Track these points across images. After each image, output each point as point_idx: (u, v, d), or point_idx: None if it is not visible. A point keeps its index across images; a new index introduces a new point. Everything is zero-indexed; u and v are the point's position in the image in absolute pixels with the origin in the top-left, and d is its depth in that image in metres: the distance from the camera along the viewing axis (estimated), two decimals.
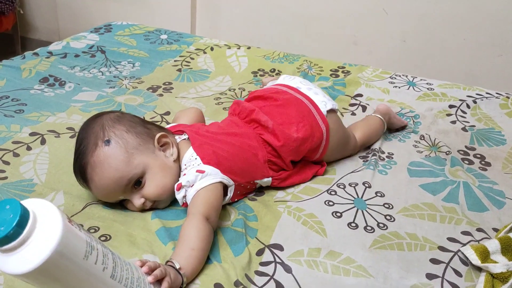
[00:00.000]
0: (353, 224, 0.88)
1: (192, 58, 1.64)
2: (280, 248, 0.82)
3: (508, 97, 1.40)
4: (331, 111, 1.06)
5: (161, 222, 0.84)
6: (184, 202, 0.86)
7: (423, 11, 2.10)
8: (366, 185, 0.99)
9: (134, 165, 0.84)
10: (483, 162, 1.11)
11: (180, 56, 1.65)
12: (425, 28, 2.15)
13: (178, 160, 0.91)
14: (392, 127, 1.24)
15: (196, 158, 0.89)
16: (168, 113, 1.28)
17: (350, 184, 1.00)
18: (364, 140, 1.13)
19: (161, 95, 1.38)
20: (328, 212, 0.91)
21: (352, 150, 1.11)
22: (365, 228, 0.87)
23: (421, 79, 1.51)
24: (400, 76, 1.54)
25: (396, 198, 0.96)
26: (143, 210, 0.88)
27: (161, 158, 0.89)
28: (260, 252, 0.81)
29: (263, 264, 0.78)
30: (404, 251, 0.83)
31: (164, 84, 1.45)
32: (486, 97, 1.40)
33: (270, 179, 0.95)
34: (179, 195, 0.86)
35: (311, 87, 1.10)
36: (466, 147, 1.17)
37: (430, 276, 0.78)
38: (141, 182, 0.85)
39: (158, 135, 0.90)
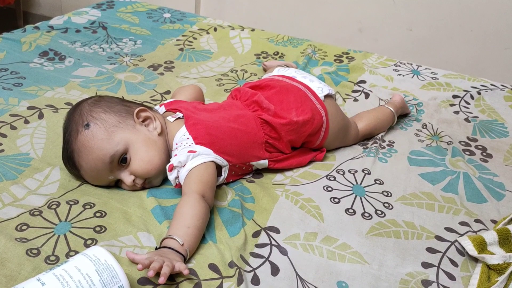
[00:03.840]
0: (350, 210, 0.87)
1: (195, 38, 1.62)
2: (277, 230, 0.81)
3: None
4: (328, 96, 1.05)
5: (157, 201, 0.84)
6: (178, 183, 0.85)
7: (431, 0, 2.07)
8: (366, 172, 0.98)
9: (115, 142, 0.84)
10: (484, 154, 1.10)
11: (183, 36, 1.63)
12: (432, 17, 2.12)
13: (163, 134, 0.91)
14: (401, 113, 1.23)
15: (188, 138, 0.88)
16: (168, 92, 1.26)
17: (349, 171, 0.99)
18: (367, 131, 1.11)
19: (162, 74, 1.37)
20: (326, 198, 0.90)
21: (353, 140, 1.10)
22: (362, 214, 0.87)
23: (425, 68, 1.50)
24: (404, 64, 1.52)
25: (395, 186, 0.96)
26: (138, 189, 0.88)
27: (143, 133, 0.88)
28: (256, 234, 0.80)
29: (258, 246, 0.78)
30: (401, 239, 0.82)
31: (165, 63, 1.44)
32: (491, 89, 1.38)
33: (266, 161, 0.94)
34: (171, 176, 0.85)
35: (306, 75, 1.09)
36: (468, 138, 1.16)
37: (426, 265, 0.77)
38: (126, 158, 0.85)
39: (136, 110, 0.90)
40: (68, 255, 0.72)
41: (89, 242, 0.75)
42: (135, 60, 1.43)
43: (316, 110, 1.00)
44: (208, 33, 1.66)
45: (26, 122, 1.04)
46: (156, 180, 0.89)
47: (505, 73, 2.07)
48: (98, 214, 0.80)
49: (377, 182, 0.96)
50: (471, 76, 1.46)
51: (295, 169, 0.99)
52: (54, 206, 0.81)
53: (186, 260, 0.71)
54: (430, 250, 0.80)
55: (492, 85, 1.41)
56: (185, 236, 0.72)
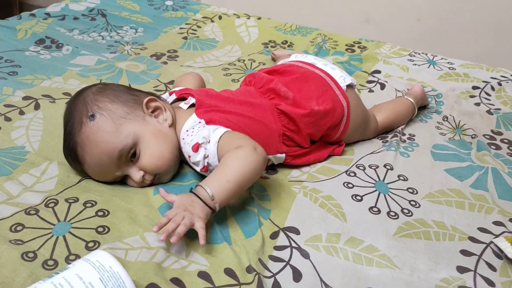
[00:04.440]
0: (375, 209, 0.81)
1: (199, 26, 1.54)
2: (296, 231, 0.74)
3: None
4: (350, 86, 0.98)
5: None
6: (205, 165, 0.77)
7: None
8: (388, 167, 0.91)
9: (124, 135, 0.76)
10: (511, 148, 1.04)
11: (186, 24, 1.55)
12: (441, 7, 2.04)
13: (174, 125, 0.83)
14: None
15: (200, 122, 0.80)
16: (172, 82, 1.19)
17: (370, 166, 0.92)
18: (386, 124, 1.04)
19: (165, 63, 1.29)
20: (347, 195, 0.83)
21: (373, 133, 1.02)
22: (388, 213, 0.80)
23: (441, 58, 1.42)
24: (419, 54, 1.45)
25: (420, 182, 0.89)
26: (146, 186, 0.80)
27: (153, 124, 0.80)
28: (274, 235, 0.73)
29: (278, 248, 0.71)
30: (432, 240, 0.75)
31: (168, 51, 1.36)
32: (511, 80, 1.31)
33: (283, 155, 0.87)
34: (198, 156, 0.76)
35: (326, 63, 1.02)
36: (492, 131, 1.09)
37: (461, 269, 0.70)
38: (135, 153, 0.77)
39: (145, 99, 0.82)
40: (68, 259, 0.65)
41: (90, 244, 0.68)
42: (136, 48, 1.36)
43: (337, 101, 0.93)
44: (212, 21, 1.58)
45: (22, 113, 0.97)
46: (166, 176, 0.82)
47: None
48: (100, 213, 0.73)
49: (401, 178, 0.89)
50: (489, 67, 1.39)
51: (312, 164, 0.92)
52: (52, 204, 0.74)
53: (213, 213, 0.69)
54: (465, 252, 0.73)
55: None
56: (221, 191, 0.68)
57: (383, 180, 0.88)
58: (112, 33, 1.44)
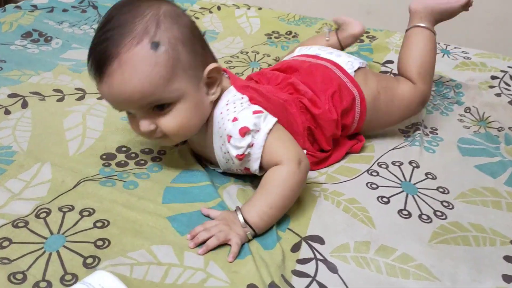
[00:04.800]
0: (404, 212, 0.73)
1: (197, 18, 1.45)
2: (320, 241, 0.66)
3: None
4: (360, 69, 0.89)
5: (176, 208, 0.68)
6: (245, 153, 0.67)
7: None
8: (414, 164, 0.84)
9: (173, 88, 0.65)
10: None
11: None
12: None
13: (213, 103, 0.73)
14: (449, 16, 0.98)
15: (242, 97, 0.71)
16: None
17: (393, 163, 0.84)
18: (419, 70, 0.90)
19: None
20: (373, 197, 0.75)
21: (413, 100, 0.89)
22: (419, 217, 0.72)
23: (455, 47, 1.35)
24: None
25: (450, 180, 0.81)
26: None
27: (201, 94, 0.69)
28: (296, 247, 0.65)
29: (301, 261, 0.63)
30: (471, 246, 0.67)
31: None
32: None
33: (304, 151, 0.79)
34: (243, 142, 0.67)
35: (331, 51, 0.93)
36: None
37: (508, 279, 0.63)
38: (164, 108, 0.67)
39: (212, 66, 0.69)
40: (63, 280, 0.56)
41: (89, 260, 0.59)
42: None
43: (347, 90, 0.85)
44: (211, 12, 1.49)
45: (7, 112, 0.88)
46: (173, 141, 0.73)
47: None
48: (99, 224, 0.65)
49: (429, 176, 0.82)
50: (505, 56, 1.31)
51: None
52: (43, 215, 0.65)
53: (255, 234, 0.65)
54: (509, 259, 0.66)
55: None
56: (260, 217, 0.64)
57: (410, 180, 0.80)
58: None
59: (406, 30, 0.98)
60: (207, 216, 0.67)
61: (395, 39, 1.38)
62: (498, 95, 1.13)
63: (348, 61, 0.89)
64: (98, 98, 0.96)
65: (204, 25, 1.41)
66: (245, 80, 0.83)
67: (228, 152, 0.70)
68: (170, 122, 0.67)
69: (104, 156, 0.80)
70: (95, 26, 1.33)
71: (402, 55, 0.95)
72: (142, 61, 0.62)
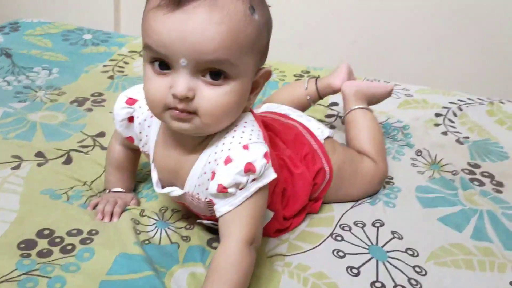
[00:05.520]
0: (377, 284, 0.66)
1: (126, 63, 1.33)
2: None
3: (492, 103, 1.25)
4: (328, 138, 0.84)
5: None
6: (227, 188, 0.59)
7: (374, 9, 1.96)
8: (377, 224, 0.77)
9: (244, 59, 0.57)
10: (494, 182, 0.94)
11: (111, 60, 1.34)
12: (377, 28, 2.01)
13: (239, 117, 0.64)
14: (377, 101, 1.01)
15: (259, 131, 0.64)
16: (102, 134, 0.98)
17: (356, 224, 0.78)
18: (376, 149, 0.90)
19: (90, 109, 1.08)
20: (341, 268, 0.68)
21: (375, 177, 0.86)
22: None
23: (395, 84, 1.33)
24: (371, 80, 1.35)
25: (417, 239, 0.75)
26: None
27: (248, 90, 0.62)
28: None
29: None
30: None
31: (93, 95, 1.14)
32: (470, 103, 1.25)
33: (272, 214, 0.71)
34: (239, 178, 0.58)
35: (301, 114, 0.89)
36: (469, 164, 1.00)
37: None
38: (220, 78, 0.56)
39: (268, 69, 0.63)
40: None
41: None
42: (52, 94, 1.13)
43: (316, 155, 0.79)
44: (141, 55, 1.38)
45: None
46: (201, 124, 0.58)
47: (454, 80, 1.99)
48: None
49: (395, 235, 0.76)
50: (445, 90, 1.32)
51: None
52: None
53: None
54: None
55: (468, 99, 1.28)
56: None
57: (377, 243, 0.73)
58: (20, 76, 1.19)
59: (346, 114, 0.97)
60: None
61: None
62: (445, 133, 1.11)
63: (318, 128, 0.85)
64: (12, 168, 0.82)
65: (134, 70, 1.30)
66: None
67: (211, 174, 0.61)
68: (216, 96, 0.57)
69: (22, 245, 0.67)
70: (9, 77, 1.18)
71: (354, 137, 0.93)
72: (237, 13, 0.55)
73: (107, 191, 0.80)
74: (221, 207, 0.61)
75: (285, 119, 0.84)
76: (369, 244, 0.73)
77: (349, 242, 0.73)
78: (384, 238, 0.75)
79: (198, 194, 0.66)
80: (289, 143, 0.77)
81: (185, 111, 0.57)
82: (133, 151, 0.80)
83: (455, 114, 1.20)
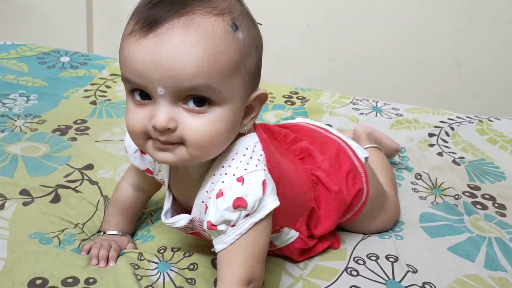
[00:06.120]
0: None
1: (109, 86, 1.28)
2: None
3: (481, 121, 1.26)
4: (366, 160, 0.82)
5: None
6: (216, 225, 0.55)
7: (350, 29, 1.97)
8: (392, 259, 0.74)
9: (228, 84, 0.52)
10: (496, 205, 0.93)
11: (92, 84, 1.28)
12: (353, 45, 2.02)
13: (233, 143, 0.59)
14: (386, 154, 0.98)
15: (261, 154, 0.58)
16: (90, 166, 0.92)
17: (369, 257, 0.74)
18: (393, 190, 0.87)
19: (74, 139, 1.01)
20: None
21: (393, 215, 0.83)
22: None
23: (384, 103, 1.33)
24: (361, 100, 1.33)
25: (432, 272, 0.73)
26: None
27: (240, 116, 0.56)
28: None
29: None
30: None
31: (75, 123, 1.08)
32: (460, 122, 1.25)
33: (297, 234, 0.68)
34: (228, 215, 0.54)
35: (338, 133, 0.85)
36: (469, 186, 0.99)
37: None
38: (203, 104, 0.52)
39: (262, 91, 0.58)
40: None
41: None
42: (32, 122, 1.06)
43: (358, 173, 0.75)
44: None
45: None
46: (189, 155, 0.54)
47: (427, 98, 2.02)
48: None
49: (410, 269, 0.73)
50: (434, 109, 1.32)
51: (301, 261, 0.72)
52: None
53: None
54: None
55: (458, 117, 1.28)
56: None
57: (393, 277, 0.71)
58: None
59: None
60: None
61: (325, 99, 1.32)
62: (440, 154, 1.10)
63: (358, 147, 0.82)
64: None
65: (118, 94, 1.24)
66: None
67: (205, 207, 0.57)
68: (201, 125, 0.52)
69: None
70: None
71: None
72: (216, 32, 0.50)
73: (102, 233, 0.74)
74: (216, 244, 0.57)
75: (326, 132, 0.81)
76: (386, 278, 0.70)
77: (366, 277, 0.70)
78: (400, 273, 0.72)
79: (202, 221, 0.61)
80: (329, 156, 0.73)
81: (167, 143, 0.53)
82: (145, 194, 0.75)
83: (447, 134, 1.19)
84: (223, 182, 0.55)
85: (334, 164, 0.72)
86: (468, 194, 0.96)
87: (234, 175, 0.55)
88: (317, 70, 2.11)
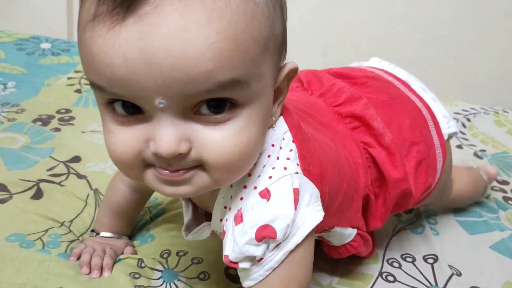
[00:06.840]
0: None
1: None
2: None
3: (497, 112, 1.19)
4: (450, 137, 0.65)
5: None
6: (237, 262, 0.43)
7: (343, 23, 1.91)
8: (431, 260, 0.65)
9: (260, 70, 0.37)
10: None
11: (76, 72, 1.15)
12: (346, 40, 1.96)
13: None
14: None
15: (291, 150, 0.44)
16: (77, 159, 0.81)
17: (404, 258, 0.65)
18: (460, 197, 0.75)
19: (57, 129, 0.90)
20: None
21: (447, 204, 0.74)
22: None
23: None
24: None
25: (477, 275, 0.64)
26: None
27: (270, 110, 0.42)
28: None
29: None
30: None
31: (58, 112, 0.96)
32: (475, 114, 1.17)
33: (354, 231, 0.54)
34: (251, 250, 0.41)
35: (424, 86, 0.65)
36: (497, 181, 0.90)
37: None
38: (226, 108, 0.36)
39: (293, 65, 0.43)
40: None
41: None
42: (9, 112, 0.94)
43: (433, 159, 0.59)
44: None
45: None
46: (212, 181, 0.39)
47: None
48: None
49: (453, 271, 0.63)
50: (446, 100, 1.24)
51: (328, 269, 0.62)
52: None
53: None
54: None
55: (472, 108, 1.21)
56: None
57: (435, 283, 0.61)
58: None
59: None
60: None
61: None
62: (459, 146, 1.02)
63: (445, 116, 0.63)
64: None
65: None
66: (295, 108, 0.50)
67: (222, 229, 0.45)
68: (225, 139, 0.37)
69: None
70: None
71: (465, 173, 0.80)
72: (231, 3, 0.34)
73: (94, 234, 0.63)
74: (243, 281, 0.45)
75: (404, 87, 0.62)
76: (428, 284, 0.61)
77: (403, 284, 0.60)
78: (442, 276, 0.62)
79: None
80: (398, 128, 0.56)
81: (180, 171, 0.38)
82: (142, 194, 0.63)
83: (464, 126, 1.11)
84: (242, 199, 0.43)
85: (402, 141, 0.56)
86: (497, 189, 0.88)
87: (255, 188, 0.42)
88: (310, 64, 2.03)
